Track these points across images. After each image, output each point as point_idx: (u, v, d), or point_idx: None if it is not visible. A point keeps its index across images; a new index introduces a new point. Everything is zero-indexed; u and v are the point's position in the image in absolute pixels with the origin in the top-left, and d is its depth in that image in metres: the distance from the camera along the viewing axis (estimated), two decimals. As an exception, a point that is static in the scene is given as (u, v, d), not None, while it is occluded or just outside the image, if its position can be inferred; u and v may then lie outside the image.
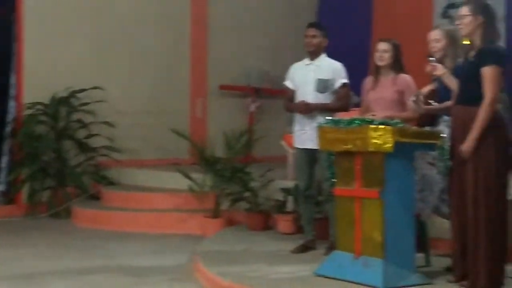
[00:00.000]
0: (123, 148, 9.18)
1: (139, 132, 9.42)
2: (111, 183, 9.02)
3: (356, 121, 4.97)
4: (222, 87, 10.19)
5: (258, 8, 10.42)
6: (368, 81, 5.93)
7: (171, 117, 9.47)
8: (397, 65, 5.76)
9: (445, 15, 9.16)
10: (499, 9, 8.42)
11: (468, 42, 4.89)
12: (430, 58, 5.15)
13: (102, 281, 5.68)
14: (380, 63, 5.77)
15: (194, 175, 7.78)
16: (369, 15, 10.18)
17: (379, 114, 5.43)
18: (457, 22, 4.90)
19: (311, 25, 6.36)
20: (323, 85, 6.12)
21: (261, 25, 10.40)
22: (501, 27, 8.24)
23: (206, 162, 7.54)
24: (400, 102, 5.65)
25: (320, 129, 5.25)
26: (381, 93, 5.73)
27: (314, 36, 6.21)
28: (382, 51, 5.75)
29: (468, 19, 4.80)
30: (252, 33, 10.33)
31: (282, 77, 6.50)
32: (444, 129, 5.21)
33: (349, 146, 4.97)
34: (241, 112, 10.15)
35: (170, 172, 8.41)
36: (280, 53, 9.87)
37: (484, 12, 4.81)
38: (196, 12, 10.06)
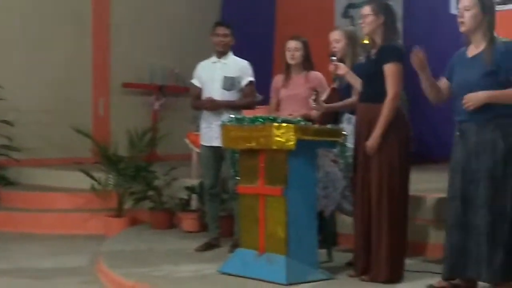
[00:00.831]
0: (23, 147, 8.91)
1: (39, 131, 9.18)
2: (10, 183, 8.73)
3: (260, 119, 5.00)
4: (126, 85, 10.05)
5: (162, 5, 10.34)
6: (278, 79, 5.99)
7: (73, 116, 9.29)
8: (307, 63, 5.85)
9: (346, 14, 9.33)
10: (398, 10, 8.65)
11: (367, 42, 5.02)
12: (333, 58, 5.24)
13: (4, 286, 5.49)
14: (291, 62, 5.83)
15: (97, 175, 7.66)
16: (272, 14, 10.27)
17: (288, 111, 5.50)
18: (359, 21, 5.02)
19: (221, 24, 6.38)
20: (229, 83, 6.14)
21: (165, 23, 10.33)
22: (399, 27, 8.51)
23: (109, 160, 7.42)
24: None
25: (224, 127, 5.24)
26: (294, 90, 5.79)
27: (225, 35, 6.22)
28: (294, 49, 5.81)
29: (370, 18, 4.93)
30: (155, 30, 10.26)
31: (186, 75, 6.49)
32: (346, 127, 5.32)
33: (252, 144, 4.97)
34: (145, 110, 10.07)
35: (72, 172, 8.25)
36: (184, 50, 9.85)
37: (385, 11, 4.95)
38: (98, 9, 9.90)
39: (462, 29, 4.39)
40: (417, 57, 4.50)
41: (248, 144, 5.00)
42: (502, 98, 4.27)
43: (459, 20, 4.39)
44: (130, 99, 10.11)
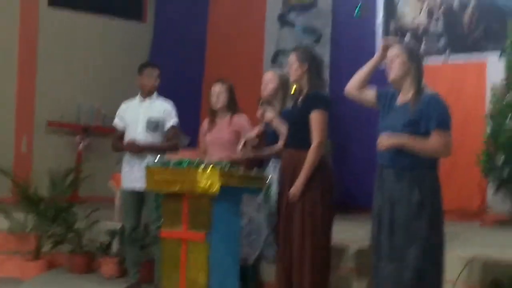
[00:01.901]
0: None
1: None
2: None
3: (184, 163, 4.95)
4: (50, 124, 9.85)
5: (91, 44, 10.23)
6: (205, 123, 5.98)
7: (-7, 152, 9.05)
8: (232, 106, 5.84)
9: (275, 60, 9.42)
10: (325, 58, 8.80)
11: (294, 88, 5.06)
12: (261, 102, 5.27)
13: None
14: (216, 106, 5.82)
15: (16, 215, 7.41)
16: (202, 56, 10.30)
17: (215, 156, 5.47)
18: (287, 69, 5.07)
19: (149, 65, 6.35)
20: (153, 125, 6.09)
21: (93, 62, 10.21)
22: (326, 75, 8.65)
23: (29, 200, 7.21)
24: (237, 143, 5.69)
25: (148, 169, 5.15)
26: (218, 134, 5.78)
27: (152, 77, 6.18)
28: (218, 93, 5.81)
29: (295, 66, 4.99)
30: (84, 69, 10.11)
31: (113, 116, 6.40)
32: (270, 173, 5.32)
33: (176, 188, 4.90)
34: (69, 150, 9.86)
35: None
36: (112, 91, 9.72)
37: (309, 59, 5.01)
38: (25, 45, 9.74)
39: (391, 77, 4.43)
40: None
41: (172, 188, 4.93)
42: (412, 145, 4.27)
43: (388, 68, 4.45)
44: (54, 138, 9.89)
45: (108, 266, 6.82)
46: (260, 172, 5.19)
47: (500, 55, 7.69)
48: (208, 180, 4.73)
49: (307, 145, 4.87)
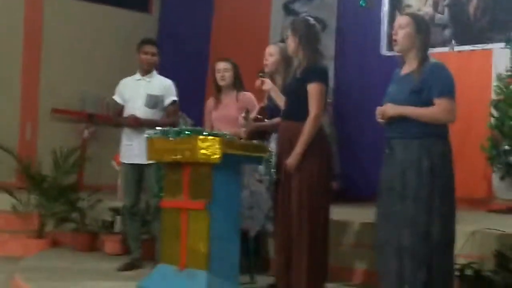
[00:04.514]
0: None
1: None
2: None
3: (185, 132, 4.94)
4: (55, 111, 9.86)
5: (96, 34, 10.24)
6: (210, 102, 5.97)
7: (-2, 138, 9.07)
8: (237, 83, 5.86)
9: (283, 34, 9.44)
10: (330, 50, 8.81)
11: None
12: (260, 74, 5.25)
13: None
14: (221, 83, 5.83)
15: (19, 196, 7.44)
16: (207, 47, 10.32)
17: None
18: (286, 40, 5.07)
19: (149, 42, 6.35)
20: (153, 101, 6.09)
21: (98, 50, 10.23)
22: (331, 65, 8.66)
23: (32, 179, 7.23)
24: None
25: (149, 140, 5.14)
26: (225, 111, 5.79)
27: (154, 54, 6.21)
28: (223, 70, 5.82)
29: (290, 39, 4.98)
30: (88, 58, 10.12)
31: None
32: (274, 146, 5.30)
33: (178, 157, 4.89)
34: (74, 138, 9.85)
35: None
36: (117, 80, 9.65)
37: (301, 31, 4.95)
38: (30, 33, 9.75)
39: (396, 48, 4.41)
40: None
41: (173, 157, 4.91)
42: (413, 114, 4.25)
43: (394, 38, 4.42)
44: (59, 125, 9.91)
45: (111, 244, 6.84)
46: (261, 142, 5.17)
47: (506, 45, 7.69)
48: (209, 148, 4.72)
49: (304, 116, 4.84)
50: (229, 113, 5.77)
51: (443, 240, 4.22)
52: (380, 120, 4.36)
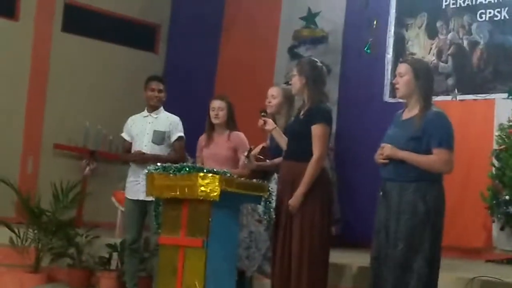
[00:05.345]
0: None
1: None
2: None
3: (186, 168, 4.94)
4: (57, 146, 9.88)
5: (103, 70, 10.31)
6: (202, 138, 5.98)
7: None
8: (230, 123, 5.87)
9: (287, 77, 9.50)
10: (333, 94, 8.85)
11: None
12: (262, 113, 5.28)
13: None
14: (215, 121, 5.85)
15: (17, 230, 7.39)
16: (212, 89, 10.36)
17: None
18: (290, 81, 5.10)
19: (156, 79, 6.43)
20: (159, 137, 6.14)
21: (104, 88, 10.28)
22: (333, 110, 8.68)
23: (31, 213, 7.21)
24: (233, 159, 5.73)
25: (149, 175, 5.14)
26: (216, 149, 5.79)
27: (160, 91, 6.27)
28: (218, 109, 5.84)
29: (295, 79, 5.02)
30: (92, 94, 10.17)
31: (120, 142, 6.45)
32: (274, 186, 5.29)
33: (176, 193, 4.88)
34: (75, 174, 9.80)
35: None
36: (121, 117, 9.71)
37: (308, 72, 5.00)
38: (37, 67, 9.82)
39: (398, 95, 4.50)
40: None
41: (172, 193, 4.90)
42: (411, 160, 4.29)
43: (395, 87, 4.50)
44: (61, 160, 9.90)
45: (106, 281, 6.80)
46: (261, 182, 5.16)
47: (508, 95, 7.73)
48: (208, 185, 4.72)
49: (307, 157, 4.86)
50: (219, 152, 5.78)
51: (429, 283, 4.26)
52: (379, 159, 4.37)
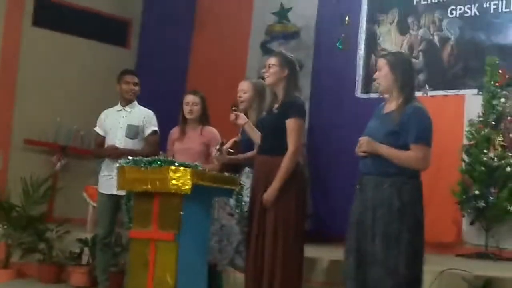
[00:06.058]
0: None
1: None
2: None
3: (157, 162, 4.92)
4: (28, 142, 9.77)
5: (73, 66, 10.19)
6: (175, 131, 5.96)
7: (-32, 167, 8.97)
8: (204, 118, 5.86)
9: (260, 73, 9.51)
10: (305, 90, 8.86)
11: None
12: (234, 108, 5.27)
13: None
14: (189, 116, 5.83)
15: (-14, 225, 7.35)
16: (184, 84, 10.33)
17: None
18: (263, 70, 5.07)
19: (131, 72, 6.41)
20: (133, 131, 6.11)
21: (75, 83, 10.17)
22: (306, 106, 8.69)
23: (0, 208, 7.14)
24: (206, 154, 5.72)
25: (121, 169, 5.10)
26: (188, 144, 5.78)
27: (135, 84, 6.25)
28: (192, 104, 5.83)
29: (274, 69, 4.97)
30: (64, 89, 10.05)
31: (92, 137, 6.40)
32: (245, 180, 5.29)
33: (148, 187, 4.86)
34: (46, 169, 9.73)
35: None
36: (92, 113, 9.57)
37: (290, 66, 5.00)
38: (6, 62, 9.66)
39: (379, 89, 4.47)
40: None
41: (144, 187, 4.87)
42: (388, 155, 4.26)
43: (376, 82, 4.50)
44: (31, 156, 9.75)
45: (77, 276, 6.76)
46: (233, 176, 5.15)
47: (478, 91, 7.80)
48: (180, 178, 4.71)
49: (281, 151, 4.84)
50: (192, 146, 5.77)
51: (410, 279, 4.21)
52: (358, 152, 4.37)
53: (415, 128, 4.22)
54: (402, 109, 4.27)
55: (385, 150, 4.27)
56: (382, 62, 4.44)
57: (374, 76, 4.52)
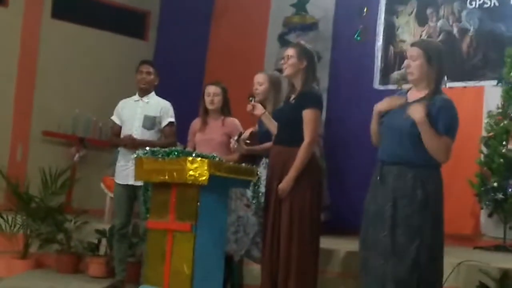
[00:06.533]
0: None
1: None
2: None
3: (174, 153, 4.93)
4: (46, 133, 9.84)
5: (92, 57, 10.25)
6: (196, 122, 5.98)
7: (-12, 158, 9.03)
8: (225, 108, 5.87)
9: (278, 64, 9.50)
10: (324, 82, 8.84)
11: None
12: (250, 98, 5.28)
13: None
14: (210, 107, 5.84)
15: (6, 216, 7.38)
16: (202, 77, 10.34)
17: None
18: (281, 62, 5.06)
19: (145, 62, 6.41)
20: (150, 122, 6.12)
21: (93, 75, 10.23)
22: (323, 97, 8.67)
23: (19, 199, 7.19)
24: (227, 145, 5.71)
25: (138, 160, 5.11)
26: (210, 135, 5.79)
27: (149, 73, 6.25)
28: (213, 95, 5.84)
29: (292, 60, 4.96)
30: (83, 81, 10.11)
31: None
32: (263, 171, 5.29)
33: (165, 177, 4.87)
34: (64, 161, 9.78)
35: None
36: (110, 104, 9.64)
37: (309, 57, 4.99)
38: (25, 54, 9.73)
39: (410, 78, 4.31)
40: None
41: (161, 177, 4.89)
42: (427, 132, 4.11)
43: (407, 71, 4.31)
44: (50, 148, 9.85)
45: (95, 266, 6.79)
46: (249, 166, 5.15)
47: (497, 82, 7.74)
48: (197, 169, 4.70)
49: (298, 142, 4.84)
50: (214, 137, 5.78)
51: (432, 271, 4.17)
52: (409, 115, 4.15)
53: (443, 121, 4.13)
54: (431, 100, 4.16)
55: (428, 125, 4.11)
56: (416, 52, 4.26)
57: (405, 64, 4.36)
